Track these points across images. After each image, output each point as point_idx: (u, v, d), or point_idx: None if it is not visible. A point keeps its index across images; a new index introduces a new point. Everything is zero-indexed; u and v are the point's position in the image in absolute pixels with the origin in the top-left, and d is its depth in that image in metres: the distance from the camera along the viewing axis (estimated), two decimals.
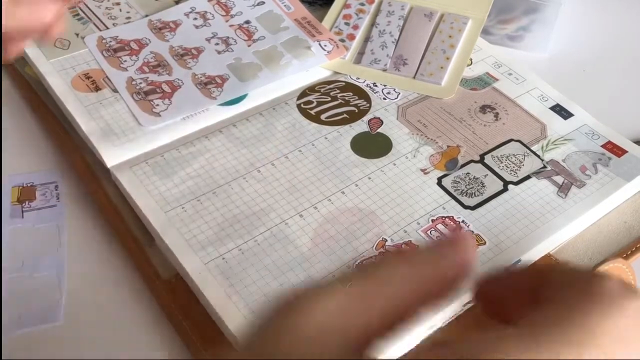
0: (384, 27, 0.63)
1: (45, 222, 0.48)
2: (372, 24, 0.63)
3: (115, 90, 0.55)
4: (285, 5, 0.64)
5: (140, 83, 0.56)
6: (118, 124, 0.53)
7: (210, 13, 0.63)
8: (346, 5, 0.65)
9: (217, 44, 0.60)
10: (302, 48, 0.60)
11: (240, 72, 0.58)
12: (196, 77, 0.57)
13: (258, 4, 0.65)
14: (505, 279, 0.24)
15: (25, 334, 0.42)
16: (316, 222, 0.47)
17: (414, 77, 0.59)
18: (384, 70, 0.60)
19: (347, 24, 0.63)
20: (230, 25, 0.62)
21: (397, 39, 0.62)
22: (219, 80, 0.57)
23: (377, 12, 0.64)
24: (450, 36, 0.62)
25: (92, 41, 0.59)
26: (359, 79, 0.59)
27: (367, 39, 0.62)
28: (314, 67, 0.59)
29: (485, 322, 0.23)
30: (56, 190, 0.50)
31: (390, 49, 0.61)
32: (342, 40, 0.62)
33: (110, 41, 0.60)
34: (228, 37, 0.61)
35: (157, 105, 0.54)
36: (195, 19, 0.63)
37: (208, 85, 0.56)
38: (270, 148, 0.52)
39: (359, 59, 0.61)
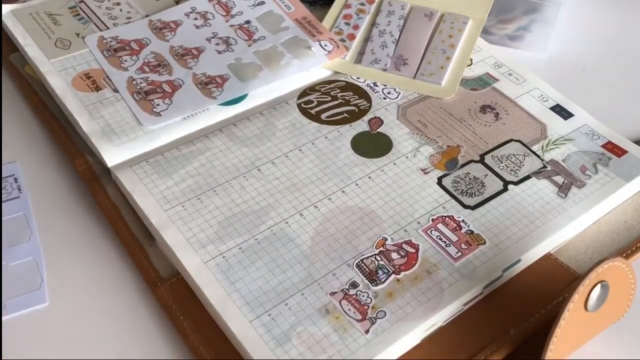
0: (384, 27, 0.63)
1: (11, 214, 0.49)
2: (373, 23, 0.63)
3: (115, 90, 0.55)
4: (285, 5, 0.64)
5: (141, 83, 0.56)
6: (118, 123, 0.53)
7: (211, 13, 0.64)
8: (346, 5, 0.65)
9: (217, 44, 0.60)
10: (302, 48, 0.60)
11: (240, 72, 0.58)
12: (196, 77, 0.57)
13: (258, 4, 0.65)
14: None
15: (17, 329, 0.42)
16: (316, 221, 0.47)
17: (414, 77, 0.59)
18: (384, 70, 0.60)
19: (347, 23, 0.64)
20: (231, 26, 0.62)
21: (397, 38, 0.62)
22: (219, 80, 0.57)
23: (378, 12, 0.64)
24: (450, 36, 0.62)
25: (92, 41, 0.60)
26: (359, 78, 0.59)
27: (367, 38, 0.62)
28: (315, 67, 0.59)
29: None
30: (16, 182, 0.50)
31: (390, 48, 0.61)
32: (343, 40, 0.62)
33: (111, 41, 0.60)
34: (228, 37, 0.61)
35: (158, 105, 0.54)
36: (196, 19, 0.63)
37: (208, 85, 0.56)
38: (271, 147, 0.52)
39: (359, 58, 0.61)
